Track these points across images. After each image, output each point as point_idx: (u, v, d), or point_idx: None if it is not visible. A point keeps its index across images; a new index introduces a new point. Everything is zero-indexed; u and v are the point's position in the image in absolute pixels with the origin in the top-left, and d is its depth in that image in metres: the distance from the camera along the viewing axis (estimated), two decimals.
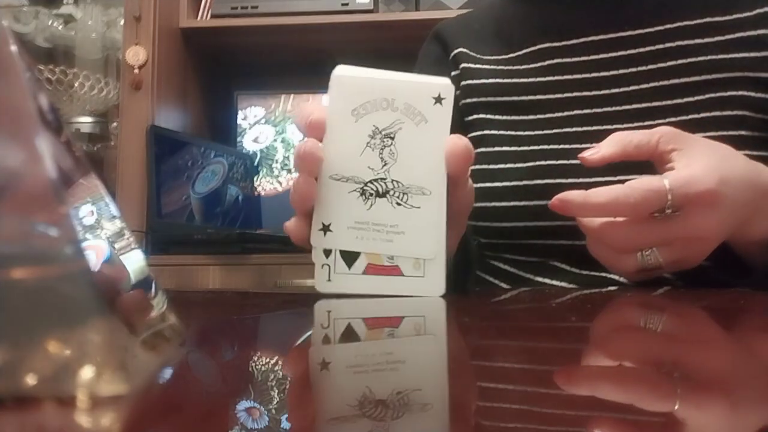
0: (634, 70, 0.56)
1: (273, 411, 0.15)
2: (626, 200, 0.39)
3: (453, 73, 0.65)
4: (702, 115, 0.52)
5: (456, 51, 0.65)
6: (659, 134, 0.42)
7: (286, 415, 0.15)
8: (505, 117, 0.60)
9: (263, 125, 1.56)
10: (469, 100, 0.63)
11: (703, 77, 0.53)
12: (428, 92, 0.36)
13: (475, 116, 0.62)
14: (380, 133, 0.36)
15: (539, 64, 0.60)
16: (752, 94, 0.52)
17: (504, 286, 0.58)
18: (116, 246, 0.20)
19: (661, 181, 0.39)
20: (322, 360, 0.22)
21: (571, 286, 0.54)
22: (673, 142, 0.41)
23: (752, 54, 0.53)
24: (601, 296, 0.44)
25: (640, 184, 0.39)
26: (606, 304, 0.41)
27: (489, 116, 0.61)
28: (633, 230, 0.40)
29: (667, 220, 0.39)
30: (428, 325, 0.32)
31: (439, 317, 0.35)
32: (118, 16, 1.51)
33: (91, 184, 0.19)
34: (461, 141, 0.37)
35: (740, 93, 0.52)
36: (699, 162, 0.40)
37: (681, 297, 0.43)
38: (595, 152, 0.42)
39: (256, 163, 1.54)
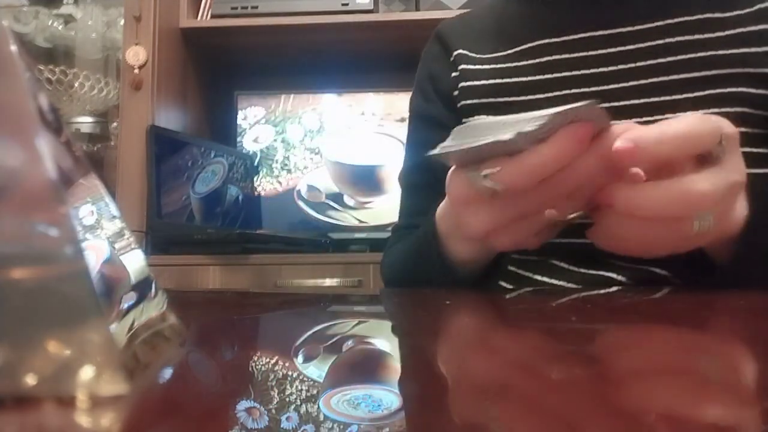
0: (632, 66, 0.56)
1: (273, 411, 0.15)
2: (701, 130, 0.35)
3: (453, 75, 0.65)
4: (701, 112, 0.52)
5: (456, 53, 0.66)
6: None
7: (287, 415, 0.15)
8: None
9: (263, 125, 1.56)
10: (468, 102, 0.63)
11: (703, 73, 0.53)
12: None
13: (474, 117, 0.62)
14: None
15: (537, 61, 0.60)
16: (752, 90, 0.52)
17: (504, 284, 0.58)
18: (116, 246, 0.20)
19: (710, 119, 0.36)
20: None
21: (570, 285, 0.55)
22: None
23: (752, 49, 0.53)
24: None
25: (692, 117, 0.36)
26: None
27: (489, 117, 0.61)
28: (713, 178, 0.35)
29: (718, 164, 0.36)
30: (428, 324, 0.32)
31: (440, 317, 0.35)
32: (118, 16, 1.51)
33: (91, 184, 0.19)
34: None
35: (740, 89, 0.52)
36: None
37: (686, 298, 0.43)
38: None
39: (256, 163, 1.54)
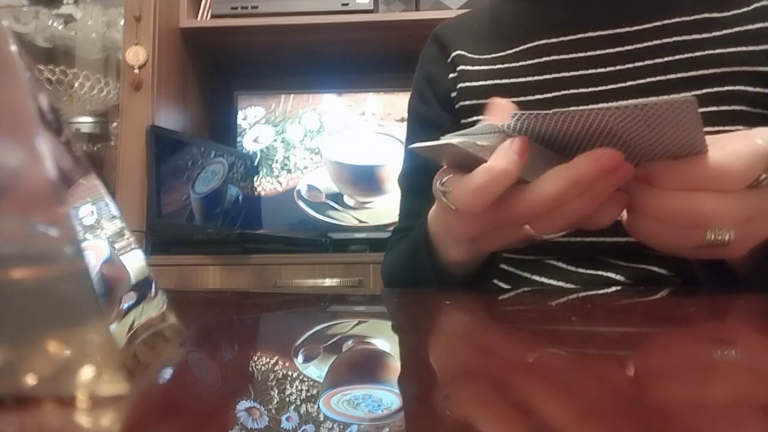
0: (631, 66, 0.56)
1: (273, 411, 0.15)
2: (735, 169, 0.34)
3: (451, 76, 0.65)
4: (700, 110, 0.52)
5: (454, 53, 0.66)
6: None
7: (287, 415, 0.15)
8: None
9: (263, 125, 1.56)
10: (467, 102, 0.63)
11: (701, 72, 0.53)
12: None
13: (474, 118, 0.62)
14: None
15: (536, 61, 0.60)
16: (750, 88, 0.52)
17: (501, 284, 0.58)
18: (116, 246, 0.20)
19: (758, 144, 0.34)
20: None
21: (568, 285, 0.55)
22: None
23: (750, 48, 0.53)
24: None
25: (742, 150, 0.34)
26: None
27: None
28: (725, 203, 0.34)
29: (757, 190, 0.35)
30: (429, 324, 0.32)
31: (441, 317, 0.35)
32: (118, 16, 1.51)
33: (91, 184, 0.19)
34: None
35: (738, 88, 0.52)
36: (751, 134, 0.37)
37: (687, 299, 0.43)
38: None
39: (256, 163, 1.54)
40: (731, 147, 0.34)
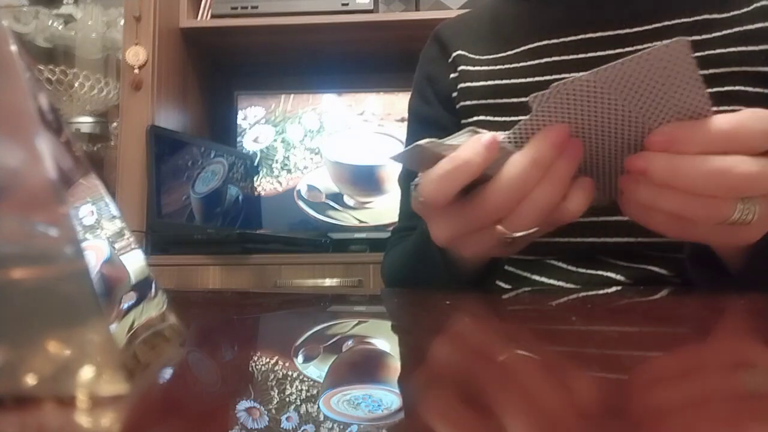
0: None
1: (273, 411, 0.15)
2: (755, 128, 0.32)
3: (452, 76, 0.65)
4: None
5: (455, 54, 0.66)
6: None
7: (287, 415, 0.15)
8: (503, 118, 0.60)
9: (263, 125, 1.56)
10: (468, 103, 0.63)
11: (701, 72, 0.53)
12: None
13: (474, 118, 0.62)
14: None
15: (536, 62, 0.60)
16: (750, 89, 0.52)
17: (502, 284, 0.58)
18: (116, 246, 0.20)
19: None
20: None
21: (569, 285, 0.55)
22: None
23: (749, 48, 0.53)
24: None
25: (759, 113, 0.33)
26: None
27: (488, 118, 0.61)
28: (764, 163, 0.32)
29: None
30: (430, 323, 0.32)
31: (441, 318, 0.35)
32: (118, 16, 1.51)
33: (91, 184, 0.19)
34: None
35: (738, 88, 0.52)
36: None
37: (689, 300, 0.43)
38: None
39: (256, 163, 1.54)
40: (746, 111, 0.33)
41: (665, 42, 0.31)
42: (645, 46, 0.56)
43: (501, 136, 0.37)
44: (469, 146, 0.36)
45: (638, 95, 0.33)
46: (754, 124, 0.33)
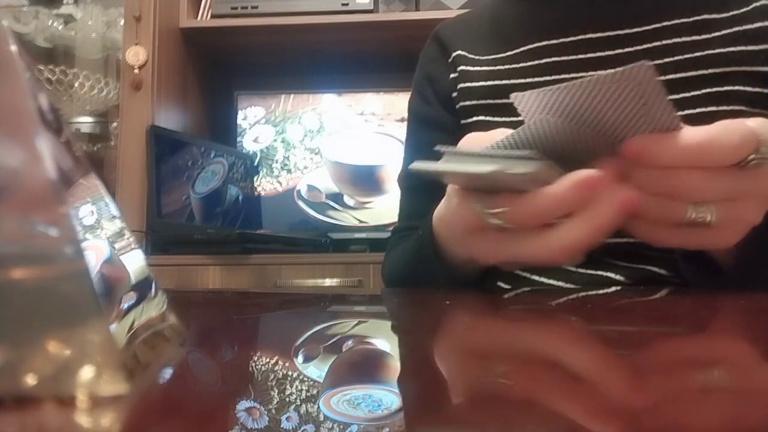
0: None
1: (273, 411, 0.15)
2: (723, 143, 0.34)
3: (452, 76, 0.65)
4: (699, 110, 0.52)
5: (455, 54, 0.66)
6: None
7: (287, 415, 0.15)
8: (504, 119, 0.60)
9: (263, 125, 1.56)
10: (467, 103, 0.63)
11: (700, 72, 0.53)
12: None
13: (474, 118, 0.62)
14: None
15: (536, 62, 0.60)
16: (749, 89, 0.52)
17: (502, 284, 0.58)
18: (116, 246, 0.20)
19: (748, 126, 0.34)
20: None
21: (568, 285, 0.55)
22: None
23: (748, 48, 0.53)
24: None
25: (731, 126, 0.34)
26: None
27: (488, 118, 0.61)
28: (707, 178, 0.34)
29: (743, 171, 0.35)
30: (430, 323, 0.32)
31: (442, 317, 0.35)
32: (118, 16, 1.51)
33: (91, 184, 0.19)
34: None
35: (736, 88, 0.52)
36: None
37: (689, 300, 0.43)
38: None
39: (256, 163, 1.54)
40: (719, 125, 0.34)
41: (630, 66, 0.32)
42: (645, 46, 0.56)
43: (500, 135, 0.37)
44: (567, 185, 0.35)
45: (610, 110, 0.35)
46: (723, 139, 0.34)
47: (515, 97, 0.37)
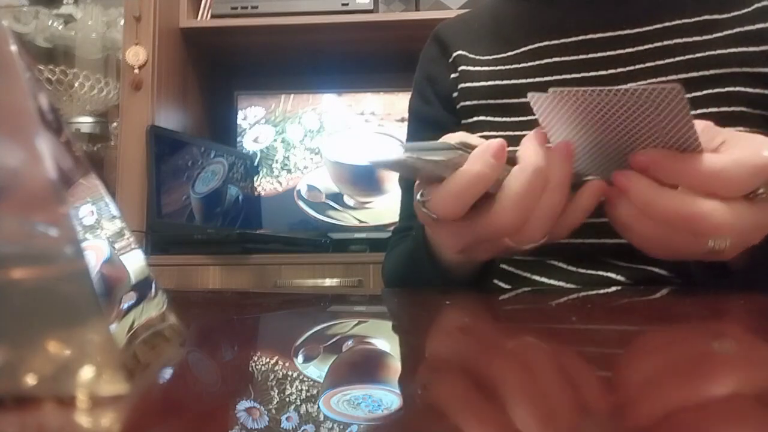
0: (632, 68, 0.56)
1: (273, 411, 0.15)
2: (733, 176, 0.34)
3: (452, 76, 0.65)
4: (700, 111, 0.52)
5: (455, 54, 0.66)
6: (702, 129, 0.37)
7: (287, 415, 0.15)
8: (504, 119, 0.60)
9: (263, 125, 1.56)
10: (468, 103, 0.63)
11: (701, 73, 0.53)
12: None
13: (475, 118, 0.62)
14: None
15: (537, 63, 0.60)
16: (750, 90, 0.52)
17: (502, 284, 0.58)
18: (116, 246, 0.20)
19: (763, 157, 0.34)
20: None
21: (569, 285, 0.54)
22: (719, 135, 0.37)
23: (750, 49, 0.53)
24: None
25: (744, 159, 0.34)
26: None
27: (489, 118, 0.61)
28: (728, 211, 0.34)
29: (758, 202, 0.35)
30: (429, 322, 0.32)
31: (441, 317, 0.35)
32: (118, 16, 1.51)
33: (91, 184, 0.19)
34: None
35: (738, 89, 0.52)
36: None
37: (689, 299, 0.43)
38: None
39: (256, 163, 1.54)
40: (738, 153, 0.35)
41: (662, 84, 0.32)
42: (646, 47, 0.56)
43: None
44: (478, 158, 0.36)
45: (630, 122, 0.35)
46: (736, 171, 0.34)
47: (531, 97, 0.37)
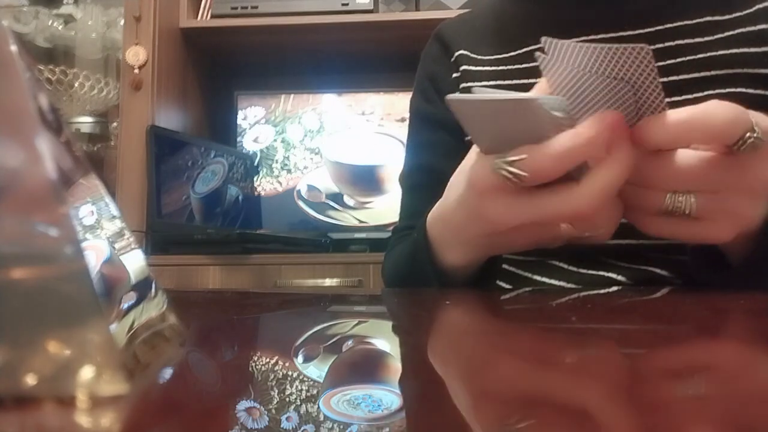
0: None
1: (273, 411, 0.15)
2: (710, 121, 0.32)
3: (454, 75, 0.65)
4: None
5: (457, 53, 0.65)
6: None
7: (287, 415, 0.15)
8: None
9: (263, 125, 1.56)
10: None
11: (702, 74, 0.53)
12: None
13: None
14: None
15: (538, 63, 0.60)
16: (751, 90, 0.52)
17: (502, 284, 0.58)
18: (116, 246, 0.20)
19: (744, 110, 0.33)
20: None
21: (569, 285, 0.55)
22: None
23: (752, 50, 0.53)
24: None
25: (722, 106, 0.33)
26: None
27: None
28: (688, 166, 0.33)
29: (734, 158, 0.33)
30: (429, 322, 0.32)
31: (441, 317, 0.35)
32: (118, 16, 1.51)
33: (91, 184, 0.19)
34: None
35: (739, 90, 0.52)
36: None
37: (689, 299, 0.43)
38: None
39: (256, 163, 1.54)
40: (712, 101, 0.33)
41: (630, 45, 0.31)
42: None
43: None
44: (593, 125, 0.33)
45: (603, 84, 0.34)
46: (717, 113, 0.33)
47: (545, 41, 0.36)
